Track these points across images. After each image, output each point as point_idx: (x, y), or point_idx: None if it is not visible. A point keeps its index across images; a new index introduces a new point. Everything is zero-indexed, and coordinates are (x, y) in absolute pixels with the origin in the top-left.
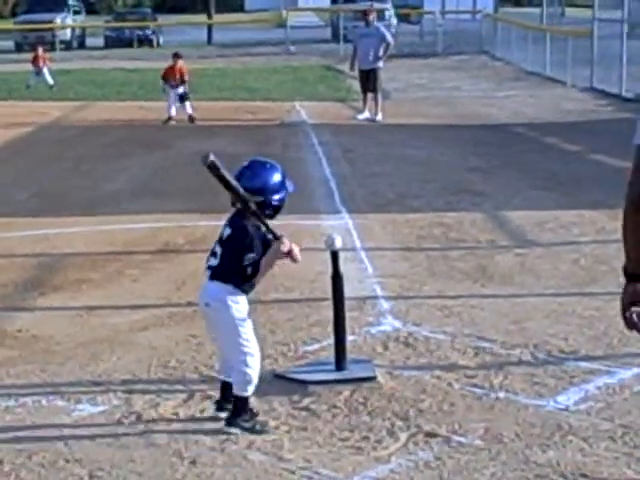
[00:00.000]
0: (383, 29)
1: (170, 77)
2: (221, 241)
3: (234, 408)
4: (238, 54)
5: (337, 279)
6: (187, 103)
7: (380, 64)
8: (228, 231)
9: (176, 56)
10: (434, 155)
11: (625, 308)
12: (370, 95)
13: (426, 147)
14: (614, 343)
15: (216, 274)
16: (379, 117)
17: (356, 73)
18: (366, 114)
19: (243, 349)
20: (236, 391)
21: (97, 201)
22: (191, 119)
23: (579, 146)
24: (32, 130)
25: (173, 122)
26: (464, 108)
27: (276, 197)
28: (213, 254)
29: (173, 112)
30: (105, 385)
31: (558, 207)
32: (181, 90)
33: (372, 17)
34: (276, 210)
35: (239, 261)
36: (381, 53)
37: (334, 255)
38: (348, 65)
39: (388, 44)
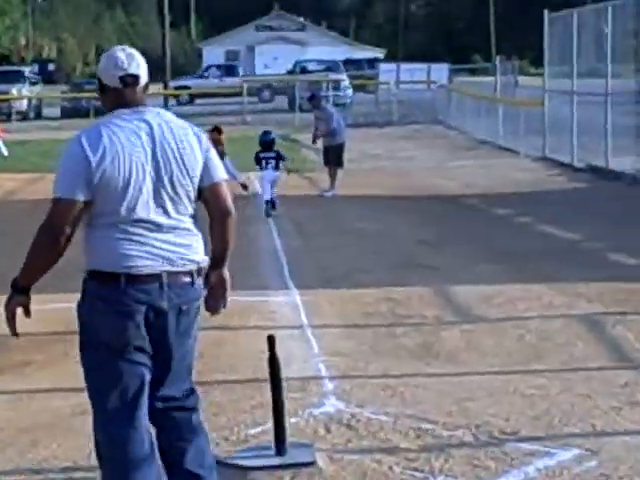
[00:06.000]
0: (332, 115)
1: None
2: None
3: None
4: (195, 124)
5: (274, 363)
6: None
7: (340, 140)
8: None
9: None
10: (385, 228)
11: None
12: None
13: (378, 219)
14: (555, 423)
15: None
16: (331, 193)
17: (320, 145)
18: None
19: None
20: None
21: (42, 278)
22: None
23: (529, 217)
24: None
25: None
26: (417, 179)
27: None
28: None
29: None
30: (44, 473)
31: (506, 281)
32: None
33: (319, 103)
34: None
35: None
36: (333, 132)
37: (270, 339)
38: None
39: (335, 127)
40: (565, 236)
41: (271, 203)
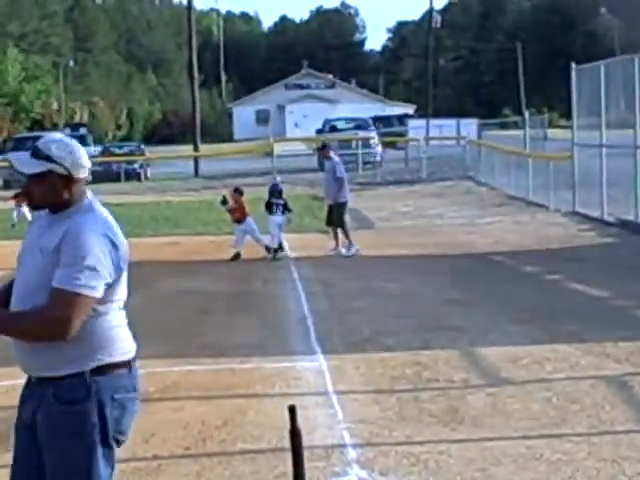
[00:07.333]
0: (336, 164)
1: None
2: None
3: None
4: (225, 185)
5: (294, 435)
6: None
7: (342, 199)
8: None
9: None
10: (413, 288)
11: None
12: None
13: (405, 279)
14: None
15: None
16: (342, 251)
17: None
18: (340, 248)
19: None
20: None
21: None
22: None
23: (558, 275)
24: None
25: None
26: (446, 237)
27: None
28: None
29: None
30: None
31: (533, 342)
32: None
33: (327, 153)
34: None
35: None
36: (336, 189)
37: (291, 411)
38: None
39: (338, 179)
40: (593, 294)
41: (278, 246)
